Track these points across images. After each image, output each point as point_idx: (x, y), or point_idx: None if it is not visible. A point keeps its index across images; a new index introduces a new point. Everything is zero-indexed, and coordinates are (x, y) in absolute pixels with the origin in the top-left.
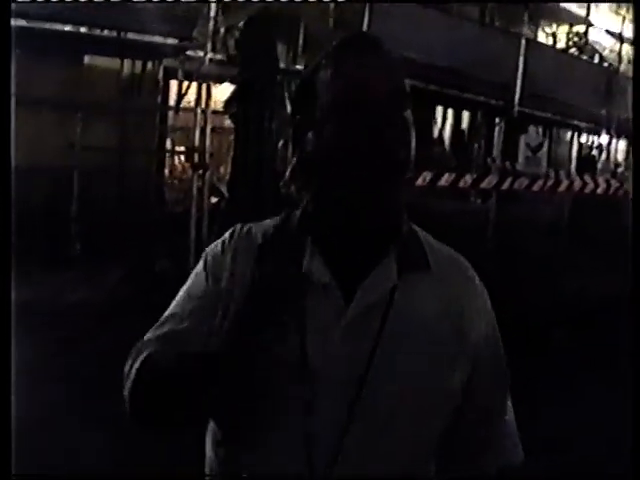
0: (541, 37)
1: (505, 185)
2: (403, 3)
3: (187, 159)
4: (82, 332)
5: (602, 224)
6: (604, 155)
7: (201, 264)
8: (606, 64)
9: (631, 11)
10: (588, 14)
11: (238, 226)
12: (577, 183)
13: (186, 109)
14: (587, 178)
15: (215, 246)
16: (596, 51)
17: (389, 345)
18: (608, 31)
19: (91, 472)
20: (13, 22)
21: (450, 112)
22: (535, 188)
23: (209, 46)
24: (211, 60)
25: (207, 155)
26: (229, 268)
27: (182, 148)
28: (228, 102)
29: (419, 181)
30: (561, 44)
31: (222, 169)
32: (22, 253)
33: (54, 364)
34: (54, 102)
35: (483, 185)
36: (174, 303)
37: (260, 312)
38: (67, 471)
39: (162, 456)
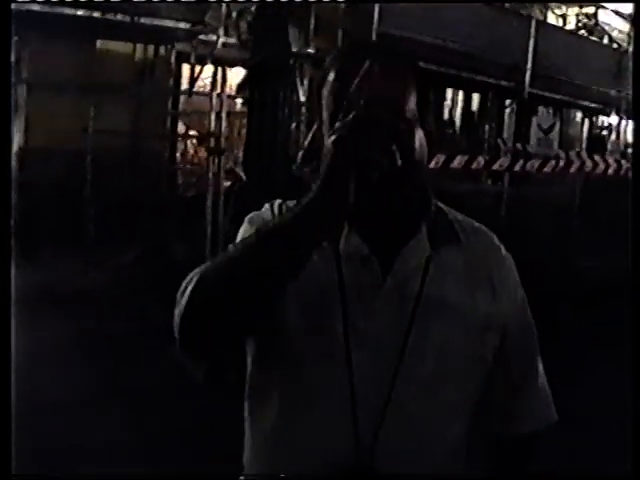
0: (551, 19)
1: (517, 167)
2: None
3: (200, 143)
4: (95, 316)
5: (613, 204)
6: (614, 135)
7: (247, 225)
8: (615, 45)
9: None
10: None
11: (277, 201)
12: (588, 164)
13: (199, 93)
14: (598, 159)
15: (261, 212)
16: (605, 32)
17: (426, 312)
18: (617, 12)
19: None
20: (27, 6)
21: (460, 94)
22: (547, 169)
23: (221, 30)
24: (224, 44)
25: (222, 139)
26: None
27: (194, 132)
28: (240, 86)
29: (432, 164)
30: (571, 25)
31: (237, 152)
32: (36, 235)
33: (68, 347)
34: (67, 86)
35: (495, 167)
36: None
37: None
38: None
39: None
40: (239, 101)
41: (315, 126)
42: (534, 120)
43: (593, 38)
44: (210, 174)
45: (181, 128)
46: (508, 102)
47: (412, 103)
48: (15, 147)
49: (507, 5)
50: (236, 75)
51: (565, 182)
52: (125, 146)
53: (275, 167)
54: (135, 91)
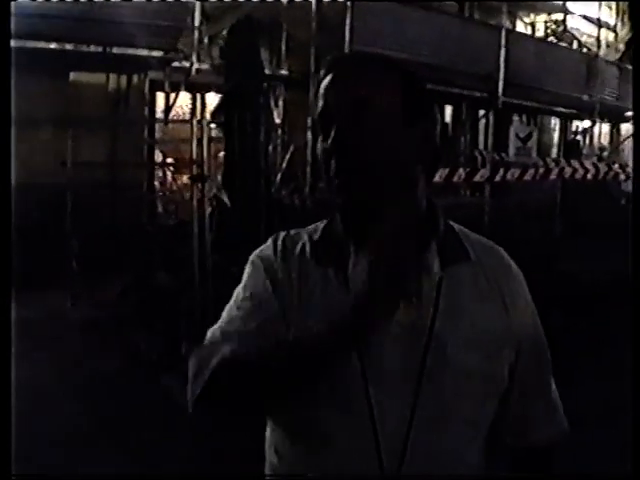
0: (520, 27)
1: (498, 177)
2: (384, 1)
3: (178, 170)
4: (85, 349)
5: (592, 206)
6: (588, 139)
7: (253, 268)
8: (585, 50)
9: None
10: (565, 2)
11: (282, 233)
12: (567, 170)
13: (175, 120)
14: (575, 164)
15: (263, 250)
16: (574, 37)
17: (442, 335)
18: (586, 17)
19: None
20: None
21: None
22: (527, 177)
23: (194, 56)
24: (197, 70)
25: (205, 166)
26: (282, 271)
27: (172, 160)
28: (216, 111)
29: None
30: (540, 33)
31: (217, 178)
32: (18, 272)
33: (58, 383)
34: (43, 120)
35: (476, 178)
36: (233, 304)
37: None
38: None
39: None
40: (213, 126)
41: (292, 148)
42: (511, 129)
43: (563, 44)
44: (195, 201)
45: (158, 156)
46: (482, 112)
47: (396, 116)
48: None
49: (476, 17)
50: (210, 101)
51: (542, 189)
52: (103, 177)
53: (255, 191)
54: (110, 122)
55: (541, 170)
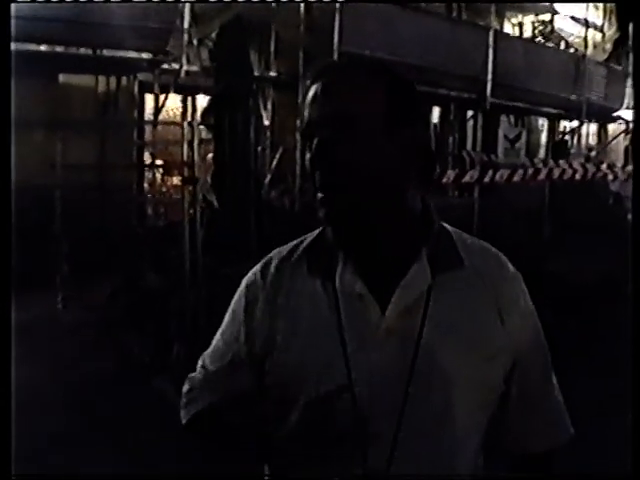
0: (508, 28)
1: (487, 178)
2: (372, 3)
3: (168, 172)
4: (76, 351)
5: (580, 206)
6: (576, 139)
7: (238, 294)
8: (572, 50)
9: None
10: (552, 2)
11: (274, 261)
12: (556, 170)
13: (164, 122)
14: (563, 164)
15: (251, 275)
16: (562, 38)
17: (430, 343)
18: (573, 17)
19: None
20: None
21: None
22: (516, 178)
23: (184, 58)
24: (187, 72)
25: (196, 168)
26: (268, 293)
27: (161, 162)
28: (205, 112)
29: None
30: (527, 33)
31: (206, 179)
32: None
33: (49, 384)
34: (33, 122)
35: (466, 179)
36: (220, 329)
37: None
38: None
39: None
40: (201, 127)
41: (281, 149)
42: (500, 131)
43: (550, 45)
44: (185, 203)
45: (147, 158)
46: (470, 114)
47: (379, 127)
48: None
49: (464, 17)
50: (200, 103)
51: (530, 190)
52: (93, 179)
53: (245, 192)
54: (100, 124)
55: (530, 171)
